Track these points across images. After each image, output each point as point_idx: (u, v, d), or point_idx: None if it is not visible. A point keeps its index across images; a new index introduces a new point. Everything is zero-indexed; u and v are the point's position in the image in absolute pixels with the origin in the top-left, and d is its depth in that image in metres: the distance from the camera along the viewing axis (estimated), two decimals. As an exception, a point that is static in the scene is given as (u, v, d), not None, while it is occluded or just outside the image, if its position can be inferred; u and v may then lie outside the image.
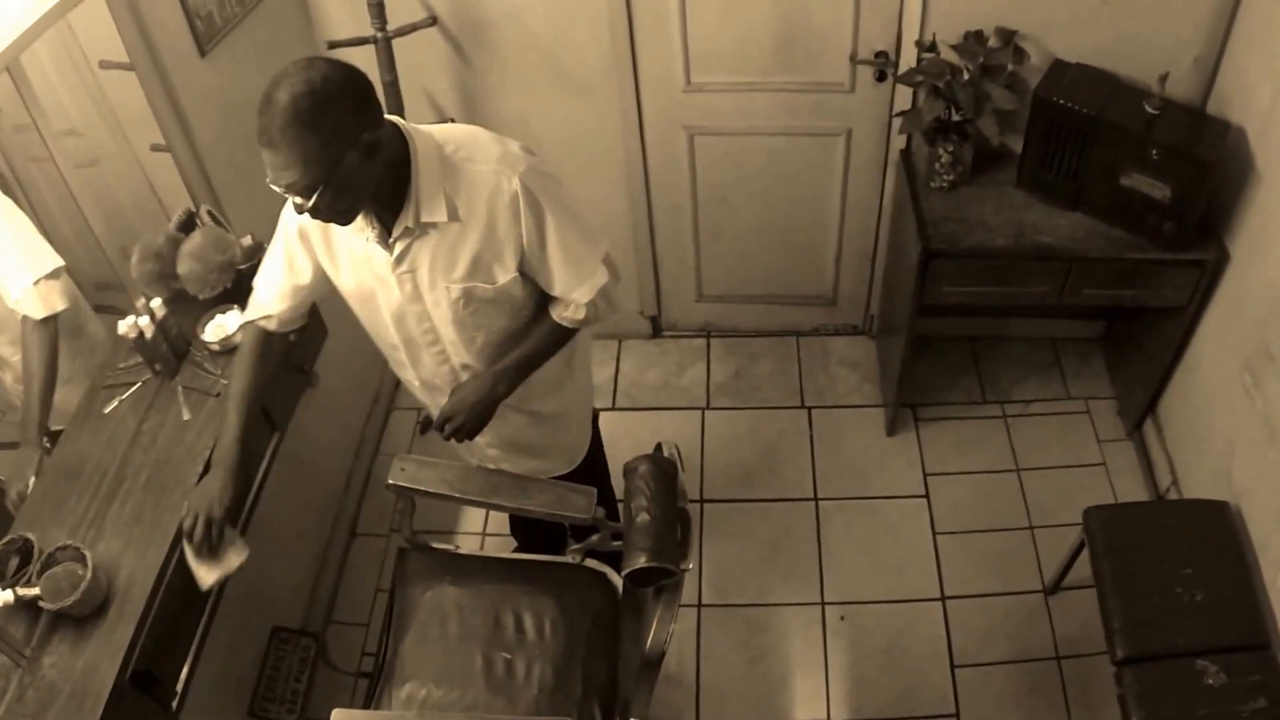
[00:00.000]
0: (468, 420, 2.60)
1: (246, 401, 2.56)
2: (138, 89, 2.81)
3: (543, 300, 2.60)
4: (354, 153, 2.13)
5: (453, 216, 2.35)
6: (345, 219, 2.26)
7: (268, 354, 2.65)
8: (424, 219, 2.34)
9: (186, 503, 2.44)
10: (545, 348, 2.65)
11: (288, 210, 2.47)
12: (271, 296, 2.60)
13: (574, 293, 2.52)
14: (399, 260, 2.41)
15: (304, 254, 2.53)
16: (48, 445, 2.61)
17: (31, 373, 2.56)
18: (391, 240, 2.37)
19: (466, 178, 2.35)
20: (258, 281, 2.63)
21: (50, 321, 2.56)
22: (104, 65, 2.79)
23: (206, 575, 2.41)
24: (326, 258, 2.52)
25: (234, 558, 2.44)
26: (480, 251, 2.41)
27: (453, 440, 2.66)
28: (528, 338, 2.62)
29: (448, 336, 2.60)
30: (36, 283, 2.52)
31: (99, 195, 2.88)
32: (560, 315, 2.58)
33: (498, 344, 2.63)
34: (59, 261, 2.55)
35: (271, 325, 2.63)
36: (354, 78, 2.17)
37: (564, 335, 2.65)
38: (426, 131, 2.38)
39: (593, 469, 3.19)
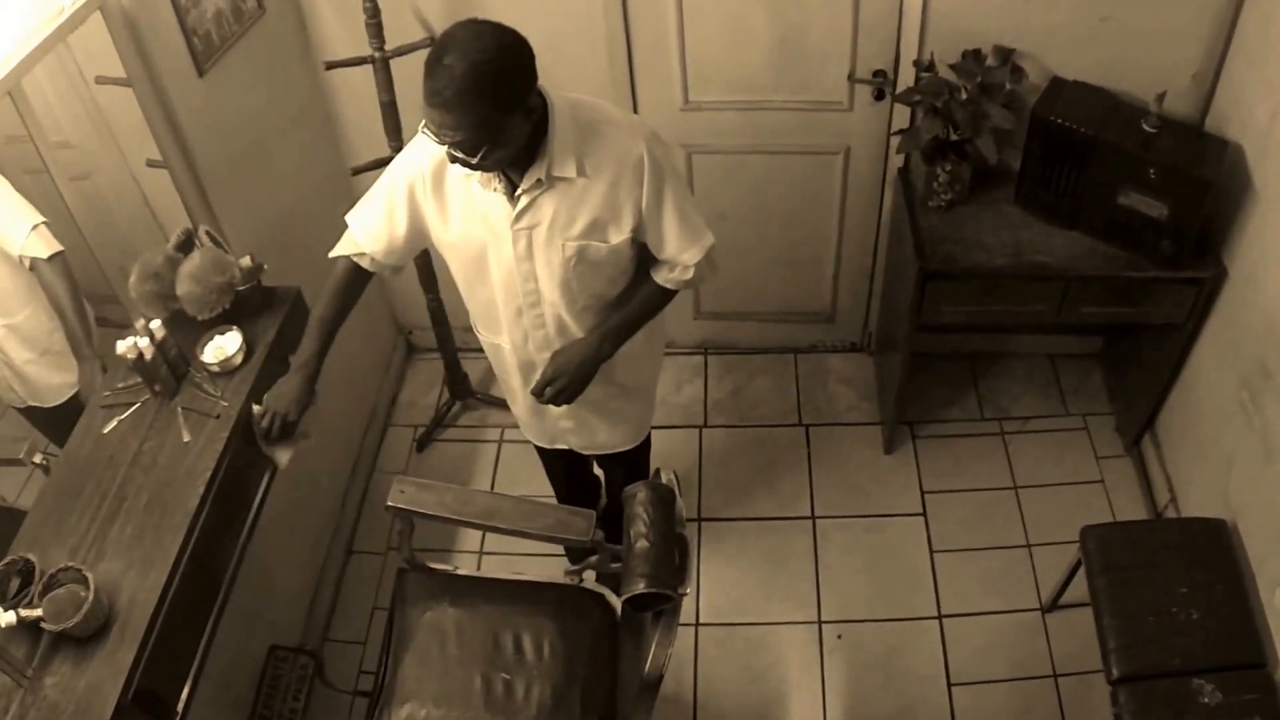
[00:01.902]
0: (570, 382, 2.75)
1: (329, 326, 2.80)
2: (134, 104, 2.81)
3: (641, 268, 2.76)
4: (519, 114, 2.32)
5: (580, 173, 2.48)
6: (495, 169, 2.44)
7: (354, 288, 2.83)
8: (555, 173, 2.46)
9: (265, 398, 2.73)
10: (648, 310, 2.82)
11: (400, 163, 2.63)
12: (368, 236, 2.73)
13: (685, 254, 2.66)
14: (520, 215, 2.53)
15: (405, 209, 2.64)
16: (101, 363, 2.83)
17: (62, 305, 2.70)
18: (518, 193, 2.50)
19: (598, 138, 2.49)
20: (353, 220, 2.75)
21: (58, 257, 2.65)
22: (100, 80, 2.79)
23: (282, 456, 2.80)
24: (436, 212, 2.62)
25: (301, 441, 2.81)
26: (600, 210, 2.55)
27: (551, 405, 2.84)
28: (632, 299, 2.78)
29: (550, 297, 2.71)
30: (35, 228, 2.60)
31: (94, 209, 2.88)
32: (666, 278, 2.73)
33: (596, 310, 2.76)
34: (41, 217, 2.63)
35: (365, 263, 2.77)
36: (523, 46, 2.32)
37: (665, 299, 2.81)
38: (559, 93, 2.51)
39: (647, 447, 3.36)
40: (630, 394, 3.08)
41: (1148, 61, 3.41)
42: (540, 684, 2.73)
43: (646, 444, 3.38)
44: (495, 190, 2.51)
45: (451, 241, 2.67)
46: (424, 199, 2.61)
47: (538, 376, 2.80)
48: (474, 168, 2.35)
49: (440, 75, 2.21)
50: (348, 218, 2.76)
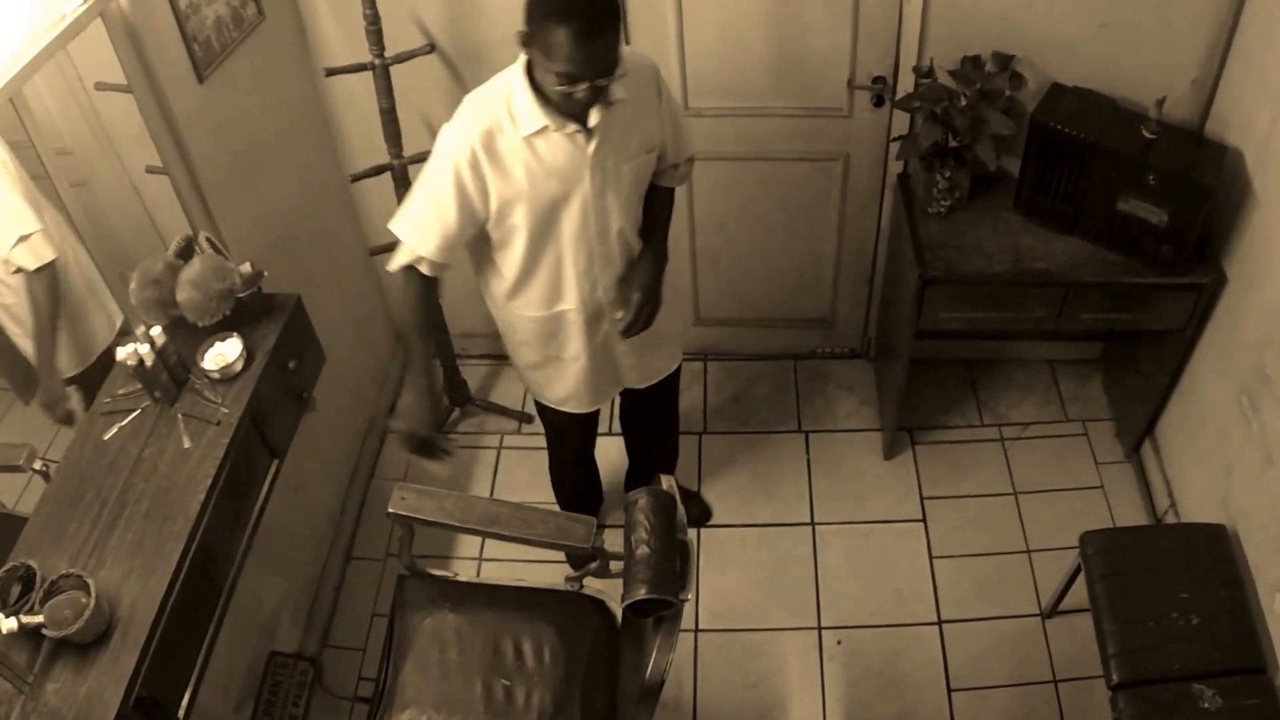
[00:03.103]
0: (655, 297, 2.98)
1: (425, 335, 2.90)
2: (133, 110, 2.81)
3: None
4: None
5: (629, 93, 2.63)
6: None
7: (428, 294, 2.87)
8: (614, 97, 2.59)
9: (395, 425, 2.98)
10: (670, 213, 3.09)
11: (441, 155, 2.65)
12: (421, 238, 2.73)
13: (686, 152, 2.98)
14: (598, 146, 2.66)
15: (453, 198, 2.66)
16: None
17: (34, 319, 2.67)
18: (592, 125, 2.61)
19: (628, 60, 2.58)
20: (401, 228, 2.76)
21: (46, 269, 2.61)
22: (100, 87, 2.79)
23: (440, 469, 2.97)
24: (500, 184, 2.66)
25: (444, 456, 2.94)
26: (643, 126, 2.76)
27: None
28: (660, 211, 3.03)
29: (617, 225, 2.86)
30: (25, 238, 2.57)
31: (92, 214, 2.88)
32: (672, 180, 3.02)
33: (633, 233, 2.95)
34: (35, 225, 2.60)
35: (424, 268, 2.78)
36: None
37: (672, 200, 3.08)
38: None
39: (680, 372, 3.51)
40: (668, 307, 3.14)
41: (1147, 67, 3.42)
42: (540, 690, 2.73)
43: (680, 370, 3.50)
44: (567, 132, 2.60)
45: (522, 205, 2.70)
46: (478, 179, 2.64)
47: (609, 322, 2.99)
48: (603, 97, 2.52)
49: (581, 11, 2.35)
50: (393, 227, 2.77)
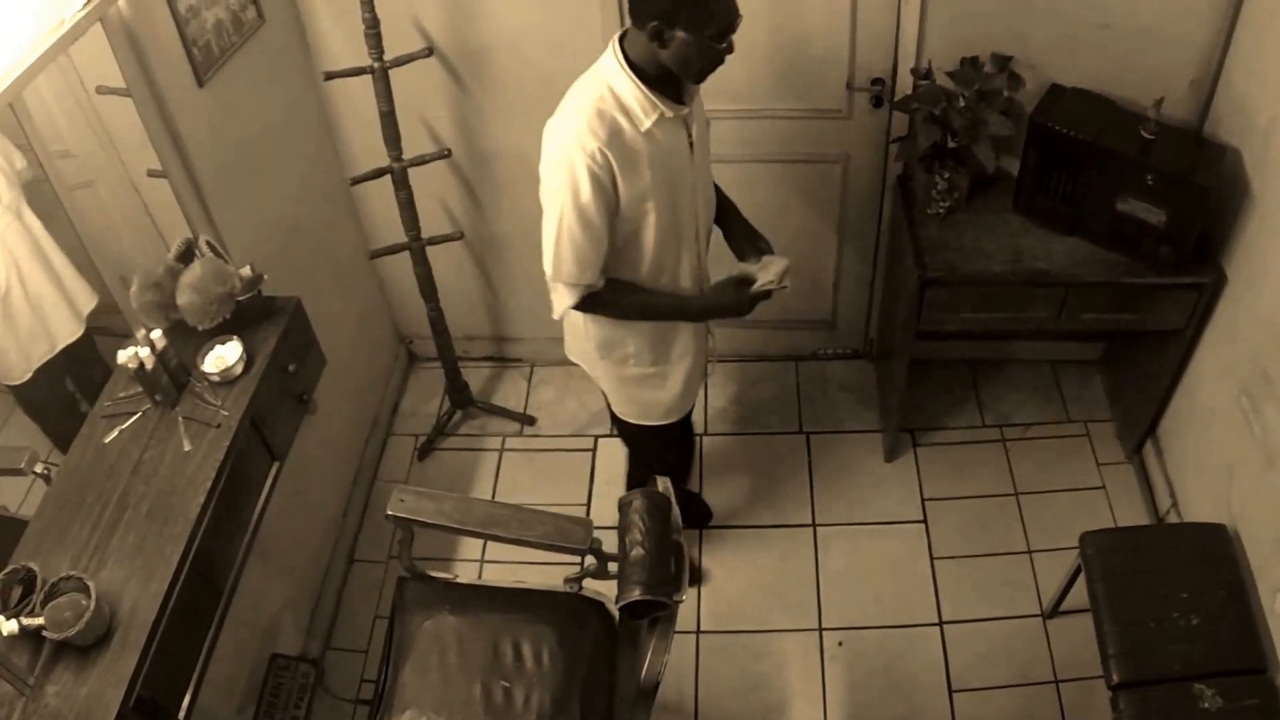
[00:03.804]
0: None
1: (661, 297, 2.94)
2: (134, 114, 2.82)
3: None
4: None
5: None
6: None
7: (619, 286, 2.85)
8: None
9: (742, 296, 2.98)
10: None
11: (577, 179, 2.59)
12: (593, 270, 2.73)
13: None
14: (692, 127, 2.77)
15: (601, 217, 2.66)
16: None
17: None
18: (688, 111, 2.72)
19: None
20: (570, 272, 2.72)
21: None
22: (101, 90, 2.80)
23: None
24: (628, 184, 2.65)
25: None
26: (699, 102, 2.86)
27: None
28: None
29: (708, 207, 3.01)
30: None
31: (95, 217, 2.89)
32: None
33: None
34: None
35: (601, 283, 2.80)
36: None
37: None
38: None
39: None
40: None
41: (1146, 68, 3.43)
42: (539, 691, 2.73)
43: None
44: (670, 115, 2.65)
45: (648, 191, 2.70)
46: (614, 186, 2.64)
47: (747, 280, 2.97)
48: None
49: None
50: (559, 279, 2.75)
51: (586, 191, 2.59)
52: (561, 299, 2.79)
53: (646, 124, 2.61)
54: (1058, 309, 3.52)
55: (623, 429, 3.46)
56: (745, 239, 3.08)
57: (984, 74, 3.41)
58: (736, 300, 2.94)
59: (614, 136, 2.58)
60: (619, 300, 2.85)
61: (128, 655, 2.23)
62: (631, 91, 2.59)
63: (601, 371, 3.18)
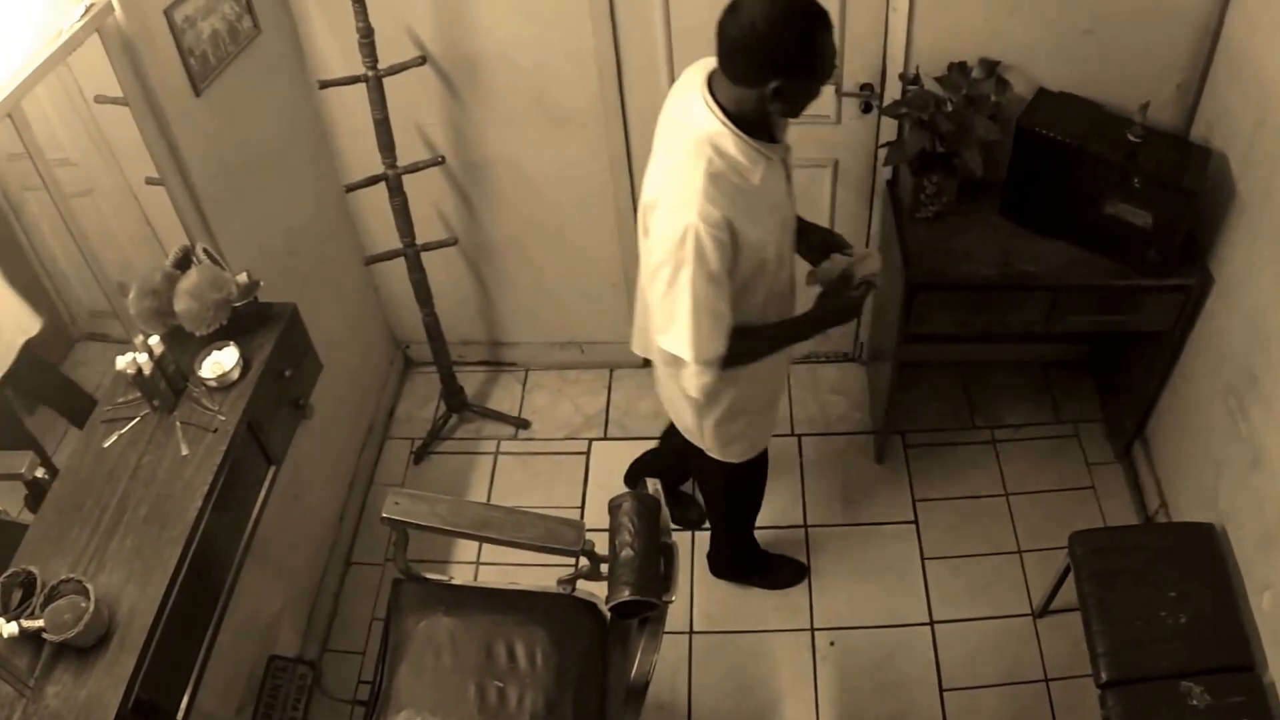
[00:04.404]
0: None
1: (781, 327, 2.89)
2: (132, 123, 2.85)
3: None
4: None
5: None
6: None
7: (746, 333, 2.74)
8: None
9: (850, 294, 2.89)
10: None
11: (709, 242, 2.47)
12: (724, 330, 2.64)
13: None
14: (787, 160, 2.73)
15: (733, 255, 2.58)
16: None
17: None
18: (780, 138, 2.67)
19: None
20: (705, 346, 2.62)
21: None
22: (99, 100, 2.82)
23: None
24: (751, 226, 2.57)
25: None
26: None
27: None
28: None
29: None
30: None
31: (93, 225, 2.91)
32: None
33: None
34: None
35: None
36: None
37: None
38: None
39: None
40: None
41: (1132, 72, 3.46)
42: (533, 692, 2.76)
43: None
44: (772, 158, 2.60)
45: (767, 234, 2.66)
46: (742, 219, 2.52)
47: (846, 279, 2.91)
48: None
49: (819, 10, 2.37)
50: (696, 358, 2.65)
51: (715, 261, 2.50)
52: (701, 376, 2.78)
53: (756, 177, 2.54)
54: (1046, 311, 3.55)
55: (710, 482, 3.46)
56: (825, 241, 2.99)
57: (971, 79, 3.43)
58: (848, 301, 2.90)
59: (732, 201, 2.48)
60: (750, 349, 2.77)
61: (126, 657, 2.25)
62: (737, 145, 2.50)
63: (708, 424, 3.08)
